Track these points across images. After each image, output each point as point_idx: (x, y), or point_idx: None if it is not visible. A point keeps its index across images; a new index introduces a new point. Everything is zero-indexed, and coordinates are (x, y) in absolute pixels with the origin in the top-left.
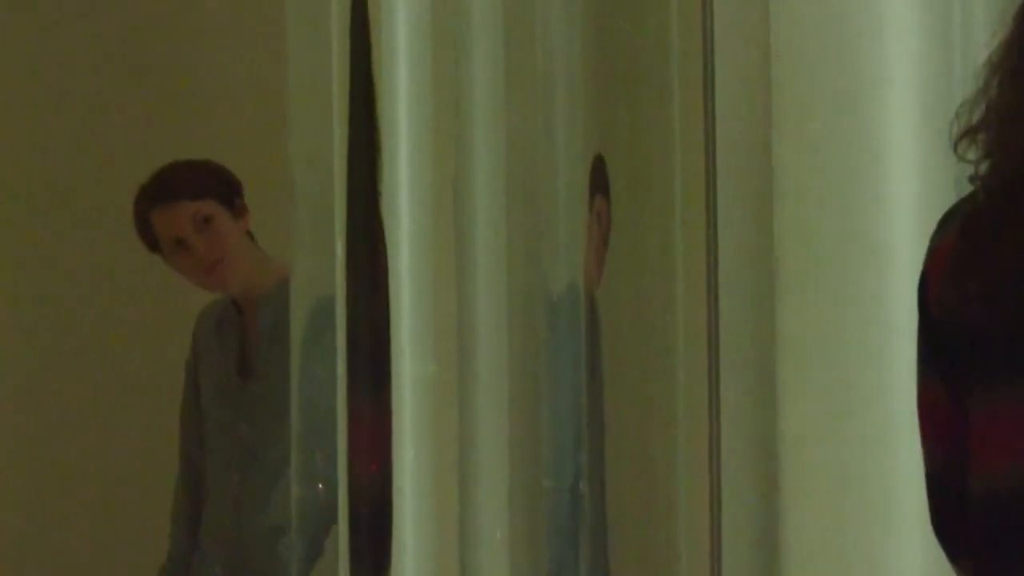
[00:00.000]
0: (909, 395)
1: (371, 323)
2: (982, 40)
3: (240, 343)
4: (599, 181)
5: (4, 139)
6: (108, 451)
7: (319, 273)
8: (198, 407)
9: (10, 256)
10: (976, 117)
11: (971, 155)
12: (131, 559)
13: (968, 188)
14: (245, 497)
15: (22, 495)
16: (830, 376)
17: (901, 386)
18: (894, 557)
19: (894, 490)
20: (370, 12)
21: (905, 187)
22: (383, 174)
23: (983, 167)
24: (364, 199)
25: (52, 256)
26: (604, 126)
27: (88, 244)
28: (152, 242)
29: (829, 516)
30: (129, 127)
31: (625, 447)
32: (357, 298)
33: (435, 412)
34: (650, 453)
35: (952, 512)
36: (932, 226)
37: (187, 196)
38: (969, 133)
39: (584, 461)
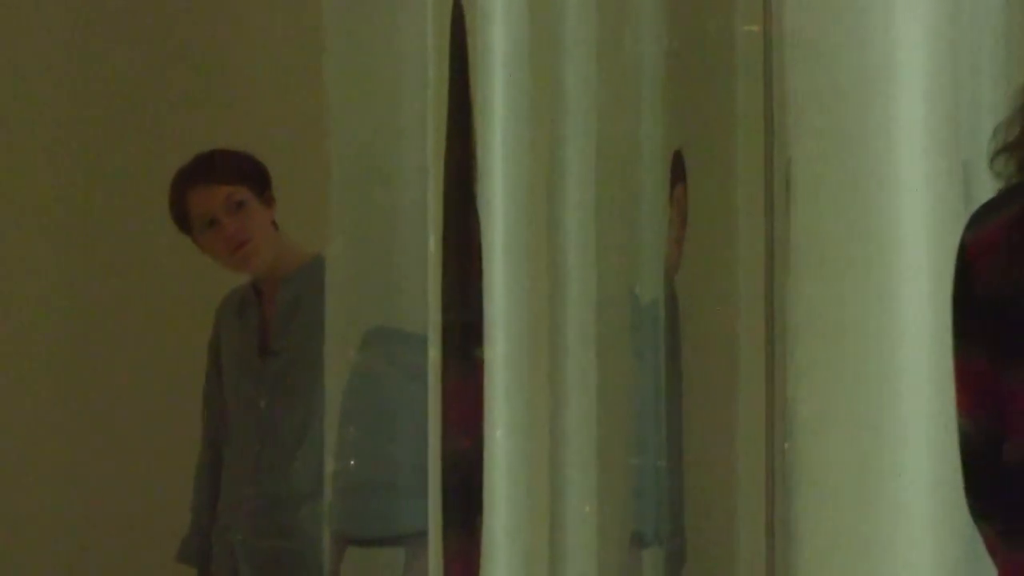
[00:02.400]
0: (917, 385)
1: (463, 312)
2: (988, 43)
3: (260, 324)
4: (678, 172)
5: (34, 131)
6: (134, 427)
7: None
8: (220, 384)
9: (43, 243)
10: (1011, 136)
11: (1010, 169)
12: (154, 529)
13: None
14: (264, 466)
15: (54, 465)
16: (842, 363)
17: (909, 376)
18: (904, 543)
19: (902, 476)
20: (467, 21)
21: (913, 186)
22: (478, 174)
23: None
24: (459, 198)
25: (83, 244)
26: (682, 122)
27: (116, 233)
28: (184, 221)
29: (840, 497)
30: (160, 118)
31: (698, 427)
32: (450, 290)
33: (528, 395)
34: (718, 433)
35: (987, 475)
36: (938, 223)
37: (224, 180)
38: (1005, 150)
39: (664, 440)
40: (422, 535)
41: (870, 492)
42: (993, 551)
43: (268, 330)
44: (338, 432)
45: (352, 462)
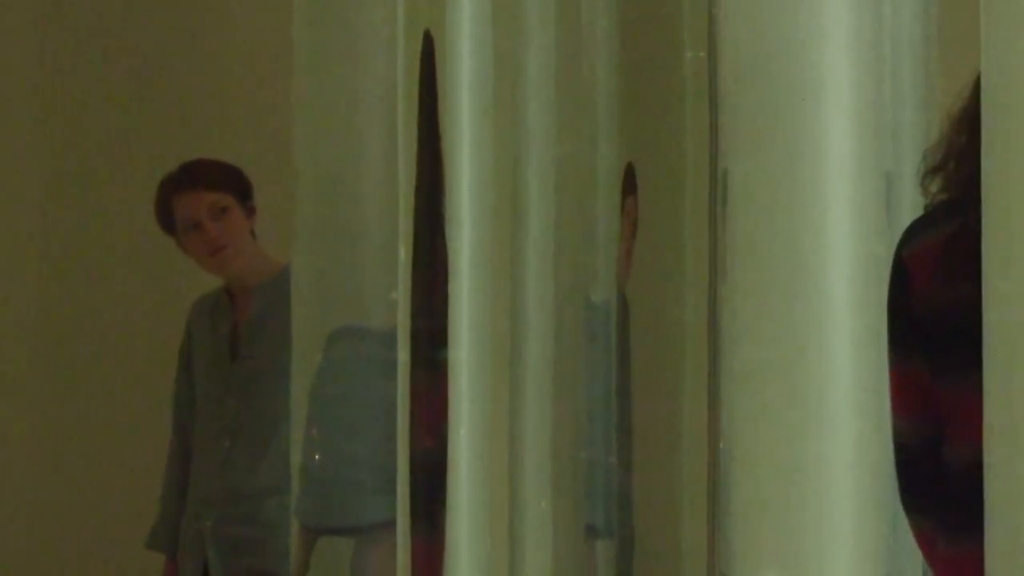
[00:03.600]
0: (841, 384)
1: (429, 319)
2: (907, 69)
3: (231, 329)
4: (629, 184)
5: (10, 137)
6: (106, 424)
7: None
8: (190, 384)
9: (23, 248)
10: (938, 159)
11: (934, 187)
12: (124, 518)
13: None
14: (232, 463)
15: (29, 462)
16: (771, 365)
17: (834, 376)
18: (827, 526)
19: (830, 472)
20: (436, 50)
21: (838, 197)
22: (445, 192)
23: (941, 197)
24: (427, 213)
25: (61, 248)
26: (633, 139)
27: (93, 239)
28: (169, 224)
29: (771, 483)
30: (138, 128)
31: (646, 426)
32: (418, 297)
33: (489, 396)
34: (665, 431)
35: (924, 473)
36: (860, 232)
37: (211, 187)
38: (932, 171)
39: (614, 438)
40: (375, 527)
41: (799, 482)
42: (926, 543)
43: (239, 335)
44: (305, 427)
45: (317, 457)
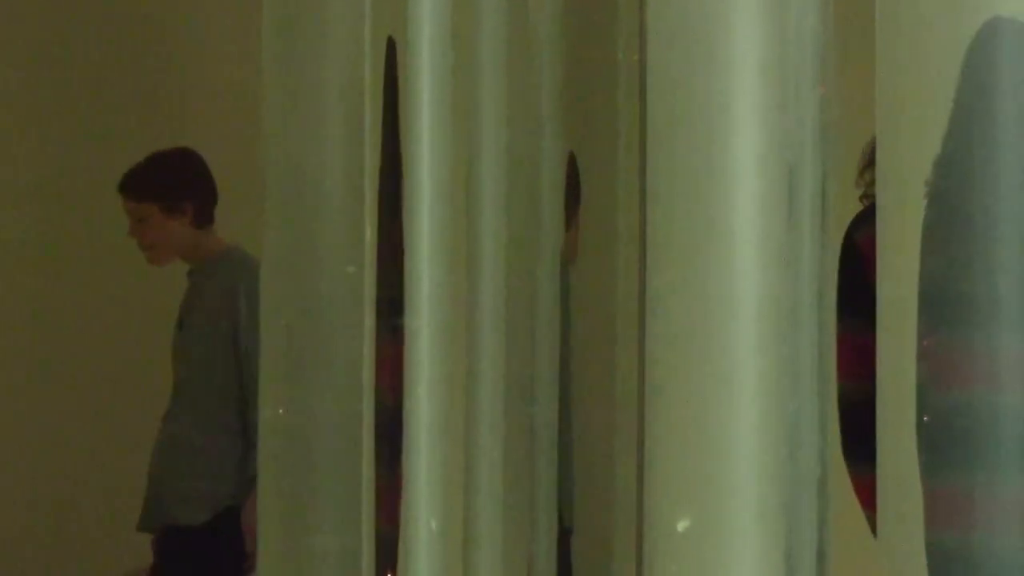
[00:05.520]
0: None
1: (390, 289)
2: (809, 74)
3: (182, 302)
4: (572, 176)
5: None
6: (99, 417)
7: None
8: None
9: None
10: (871, 154)
11: (867, 177)
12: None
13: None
14: (175, 416)
15: (24, 441)
16: (686, 342)
17: (742, 354)
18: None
19: (734, 433)
20: (397, 53)
21: (747, 187)
22: (404, 179)
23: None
24: (390, 197)
25: (54, 246)
26: (576, 128)
27: (81, 231)
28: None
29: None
30: (119, 122)
31: (584, 384)
32: (382, 270)
33: (446, 359)
34: (599, 392)
35: (866, 426)
36: (766, 217)
37: (132, 198)
38: (870, 165)
39: (557, 394)
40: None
41: (710, 449)
42: (866, 490)
43: (184, 309)
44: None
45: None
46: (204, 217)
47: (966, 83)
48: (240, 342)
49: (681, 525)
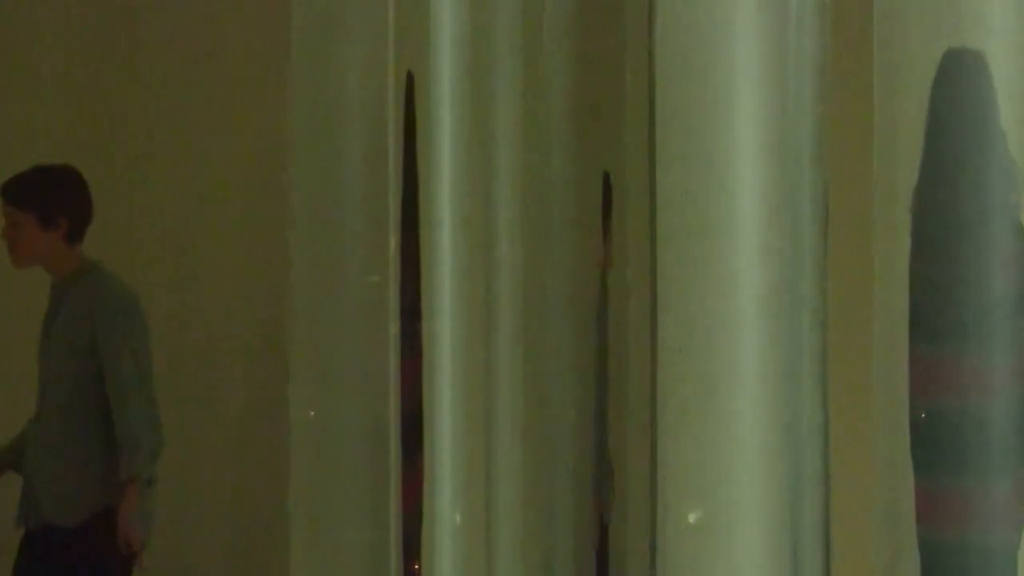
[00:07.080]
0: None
1: (411, 300)
2: (808, 77)
3: (45, 313)
4: (607, 193)
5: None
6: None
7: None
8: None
9: None
10: None
11: None
12: None
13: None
14: (40, 418)
15: None
16: (691, 335)
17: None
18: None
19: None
20: (416, 83)
21: (749, 184)
22: (422, 197)
23: None
24: (411, 215)
25: None
26: (605, 147)
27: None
28: None
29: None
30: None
31: (621, 394)
32: (404, 280)
33: (468, 364)
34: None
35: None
36: (769, 208)
37: (12, 202)
38: None
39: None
40: None
41: (706, 423)
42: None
43: (47, 317)
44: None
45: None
46: (76, 235)
47: (931, 113)
48: (99, 352)
49: (693, 516)
